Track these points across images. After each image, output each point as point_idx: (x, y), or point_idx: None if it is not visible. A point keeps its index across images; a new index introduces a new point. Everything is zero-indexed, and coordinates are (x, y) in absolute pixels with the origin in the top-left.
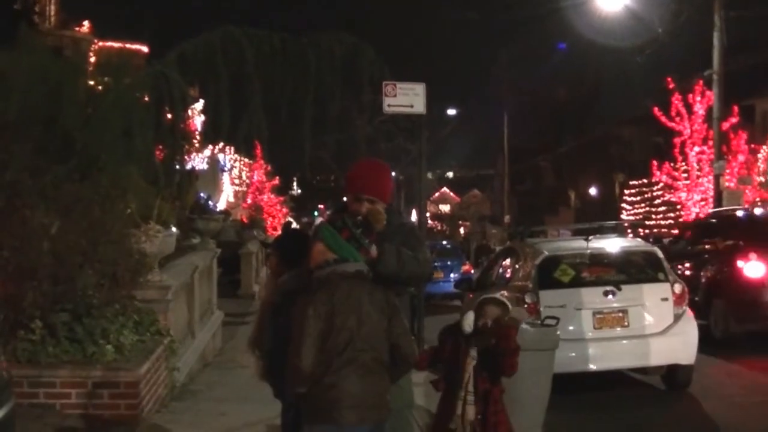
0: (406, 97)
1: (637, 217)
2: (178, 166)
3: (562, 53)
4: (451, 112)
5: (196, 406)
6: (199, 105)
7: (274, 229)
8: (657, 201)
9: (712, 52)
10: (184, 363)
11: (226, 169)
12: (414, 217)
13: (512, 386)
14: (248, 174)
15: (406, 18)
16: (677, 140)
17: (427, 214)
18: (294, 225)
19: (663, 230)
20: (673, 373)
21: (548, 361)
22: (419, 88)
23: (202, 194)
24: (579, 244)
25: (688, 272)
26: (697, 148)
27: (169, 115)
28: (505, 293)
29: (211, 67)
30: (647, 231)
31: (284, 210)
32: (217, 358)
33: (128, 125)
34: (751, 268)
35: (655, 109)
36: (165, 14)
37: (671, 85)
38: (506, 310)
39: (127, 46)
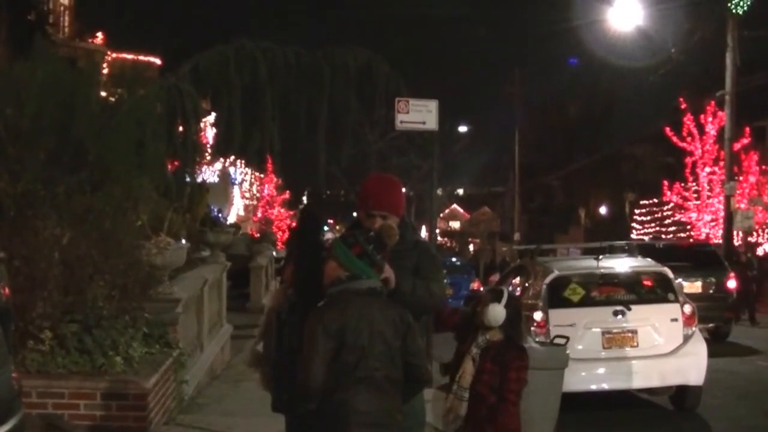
0: (419, 114)
1: (647, 237)
2: (189, 179)
3: (574, 69)
4: (463, 128)
5: (204, 419)
6: (211, 117)
7: (284, 243)
8: (667, 221)
9: (725, 72)
10: (193, 376)
11: (236, 182)
12: (424, 233)
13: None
14: (259, 187)
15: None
16: (688, 160)
17: (437, 231)
18: None
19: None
20: (681, 393)
21: (557, 379)
22: (432, 105)
23: (212, 207)
24: (589, 263)
25: None
26: (708, 169)
27: (181, 128)
28: None
29: (223, 80)
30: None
31: (294, 224)
32: (225, 371)
33: (141, 137)
34: None
35: (667, 128)
36: (178, 27)
37: (683, 105)
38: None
39: (141, 58)
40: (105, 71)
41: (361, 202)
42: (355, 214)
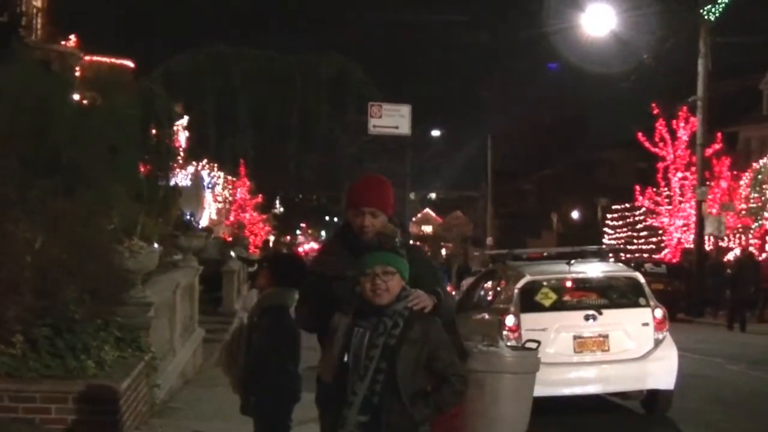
0: (392, 119)
1: (619, 242)
2: (162, 183)
3: (551, 75)
4: (436, 133)
5: (176, 423)
6: (184, 121)
7: (257, 247)
8: (639, 226)
9: (697, 78)
10: (165, 380)
11: (209, 186)
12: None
13: (492, 409)
14: (231, 191)
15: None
16: (661, 165)
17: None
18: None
19: (645, 255)
20: (652, 398)
21: (529, 384)
22: (405, 110)
23: (185, 211)
24: (561, 268)
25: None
26: (680, 174)
27: (154, 132)
28: (487, 315)
29: (197, 84)
30: (628, 256)
31: (267, 228)
32: (197, 375)
33: (115, 141)
34: None
35: (639, 134)
36: (152, 31)
37: (656, 111)
38: None
39: (114, 61)
40: (79, 74)
41: (349, 200)
42: (327, 218)
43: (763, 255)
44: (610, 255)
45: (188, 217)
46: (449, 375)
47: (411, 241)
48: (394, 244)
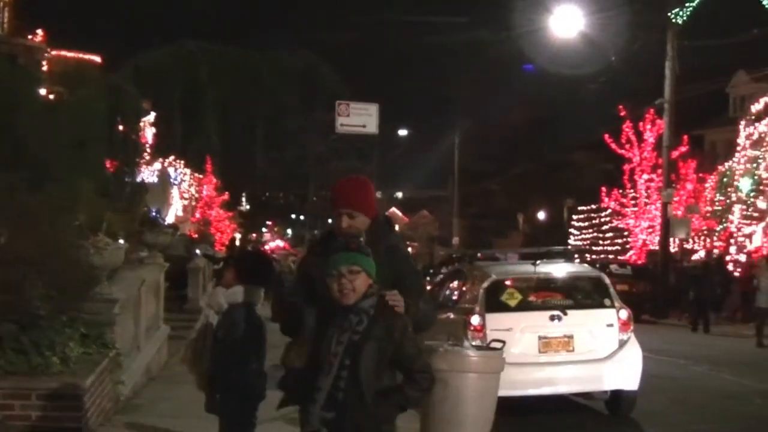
0: (359, 117)
1: (585, 243)
2: (128, 179)
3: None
4: (403, 132)
5: (140, 420)
6: (151, 117)
7: (223, 244)
8: (605, 227)
9: (664, 81)
10: (129, 376)
11: (175, 182)
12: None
13: (456, 408)
14: (197, 188)
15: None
16: (627, 167)
17: None
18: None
19: (610, 256)
20: (616, 398)
21: (493, 384)
22: (372, 109)
23: (151, 207)
24: (527, 268)
25: None
26: (646, 176)
27: (121, 127)
28: (452, 315)
29: (165, 80)
30: (594, 257)
31: (233, 225)
32: (162, 372)
33: (82, 136)
34: None
35: (606, 135)
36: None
37: (623, 113)
38: None
39: (81, 56)
40: (46, 69)
41: (330, 202)
42: (294, 216)
43: (728, 257)
44: (576, 256)
45: (154, 213)
46: (414, 372)
47: (399, 242)
48: (359, 244)
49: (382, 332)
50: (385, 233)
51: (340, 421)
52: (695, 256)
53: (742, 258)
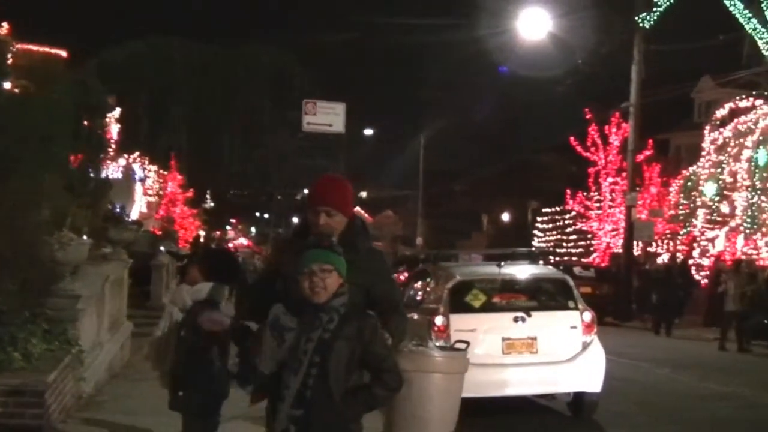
0: (326, 116)
1: (549, 245)
2: (93, 174)
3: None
4: (368, 132)
5: (102, 417)
6: (116, 113)
7: (186, 241)
8: (569, 229)
9: (630, 84)
10: (92, 373)
11: (139, 178)
12: None
13: (420, 408)
14: (162, 185)
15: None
16: (592, 170)
17: None
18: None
19: (574, 258)
20: (579, 400)
21: (457, 384)
22: (339, 108)
23: (115, 204)
24: (491, 269)
25: None
26: (610, 179)
27: (86, 122)
28: (416, 315)
29: (133, 76)
30: (557, 259)
31: (197, 223)
32: (125, 369)
33: (47, 131)
34: None
35: (572, 138)
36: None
37: (588, 116)
38: None
39: (46, 50)
40: (10, 62)
41: (309, 200)
42: (258, 214)
43: (690, 261)
44: (541, 257)
45: (118, 210)
46: (382, 372)
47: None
48: (332, 243)
49: (353, 331)
50: (364, 235)
51: (308, 419)
52: (659, 260)
53: (705, 262)
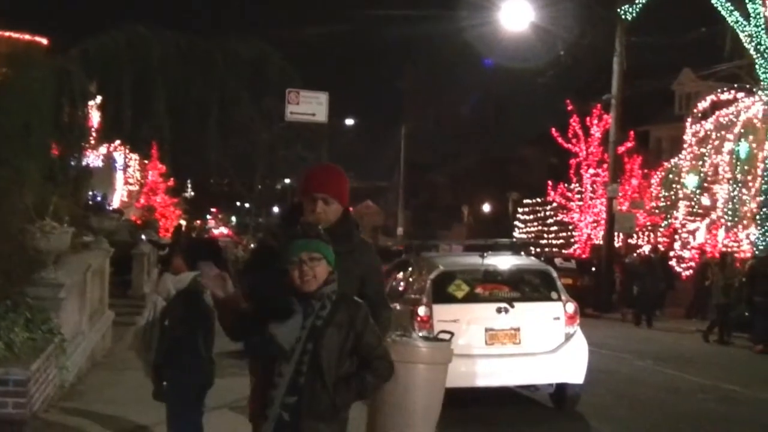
0: (309, 106)
1: (529, 236)
2: (74, 163)
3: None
4: (349, 122)
5: (85, 406)
6: (97, 101)
7: (167, 230)
8: (550, 221)
9: (612, 76)
10: (74, 362)
11: (120, 167)
12: None
13: (404, 398)
14: (143, 174)
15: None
16: (573, 162)
17: None
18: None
19: (554, 250)
20: (561, 391)
21: (441, 375)
22: (323, 97)
23: (96, 192)
24: (474, 260)
25: None
26: (591, 171)
27: (67, 110)
28: (399, 306)
29: (114, 64)
30: (538, 250)
31: (178, 212)
32: (107, 358)
33: (28, 119)
34: None
35: (553, 130)
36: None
37: (570, 107)
38: None
39: (27, 37)
40: None
41: (304, 187)
42: (239, 203)
43: (671, 253)
44: (523, 249)
45: (99, 198)
46: (373, 360)
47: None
48: (319, 232)
49: (345, 319)
50: (357, 229)
51: (301, 406)
52: (637, 253)
53: (686, 254)
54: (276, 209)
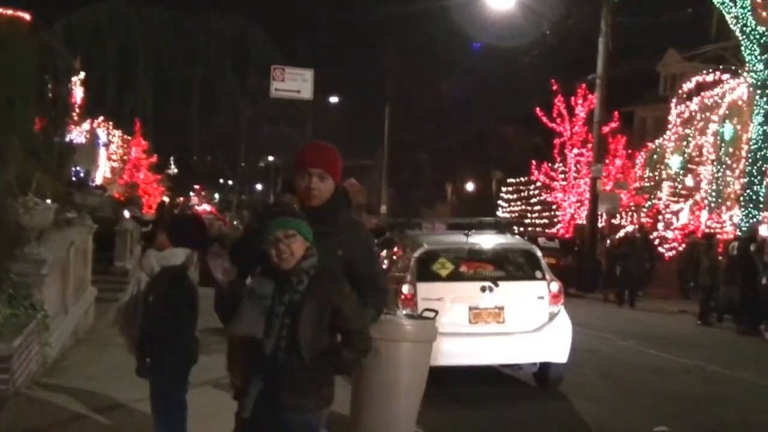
0: (294, 83)
1: (513, 216)
2: (57, 139)
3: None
4: (334, 99)
5: (68, 382)
6: (81, 76)
7: (150, 207)
8: (533, 200)
9: (597, 56)
10: (57, 339)
11: (103, 143)
12: None
13: (388, 376)
14: (126, 150)
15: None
16: (557, 141)
17: None
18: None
19: (538, 229)
20: (545, 371)
21: (425, 353)
22: (308, 74)
23: (79, 168)
24: (459, 238)
25: None
26: (576, 150)
27: (50, 86)
28: None
29: (97, 40)
30: (522, 229)
31: (161, 189)
32: (89, 335)
33: (11, 94)
34: None
35: (537, 109)
36: None
37: (555, 87)
38: None
39: (10, 12)
40: None
41: (297, 163)
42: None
43: (654, 233)
44: (507, 228)
45: (82, 174)
46: (350, 333)
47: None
48: (294, 210)
49: (323, 292)
50: (346, 206)
51: (281, 381)
52: (621, 233)
53: (669, 235)
54: (259, 186)
